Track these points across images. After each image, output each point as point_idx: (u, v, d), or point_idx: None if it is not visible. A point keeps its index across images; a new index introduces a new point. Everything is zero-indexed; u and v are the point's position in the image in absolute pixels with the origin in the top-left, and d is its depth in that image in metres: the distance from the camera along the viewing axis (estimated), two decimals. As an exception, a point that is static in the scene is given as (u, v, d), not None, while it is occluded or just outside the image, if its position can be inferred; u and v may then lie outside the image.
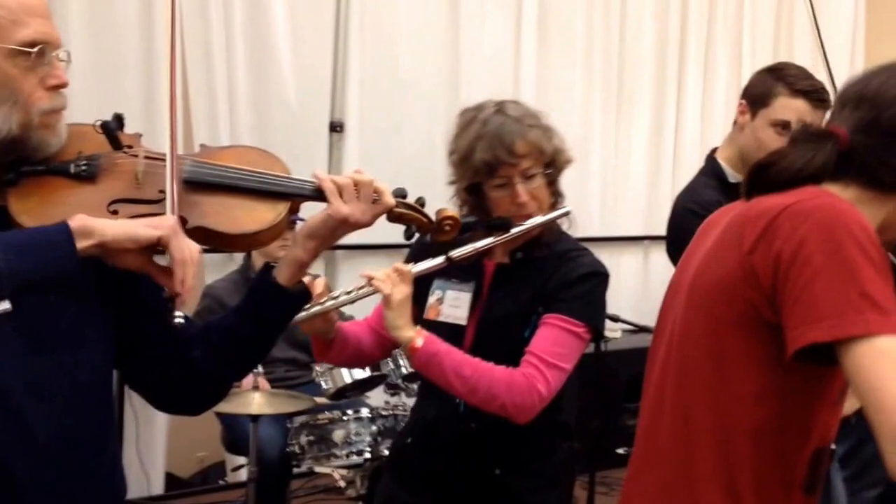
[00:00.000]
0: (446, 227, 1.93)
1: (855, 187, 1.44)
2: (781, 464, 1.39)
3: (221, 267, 4.06)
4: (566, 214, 2.12)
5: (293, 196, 1.56)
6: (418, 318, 2.12)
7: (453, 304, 2.11)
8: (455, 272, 2.12)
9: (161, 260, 1.34)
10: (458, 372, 1.97)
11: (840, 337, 1.25)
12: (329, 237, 1.57)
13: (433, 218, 1.87)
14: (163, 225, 1.31)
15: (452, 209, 1.91)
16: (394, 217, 1.72)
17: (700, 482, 1.40)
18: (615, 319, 4.04)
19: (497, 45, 4.89)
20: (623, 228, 5.49)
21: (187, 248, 1.32)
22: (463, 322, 2.12)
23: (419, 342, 1.98)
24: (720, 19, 5.66)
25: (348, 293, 2.03)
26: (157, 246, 1.31)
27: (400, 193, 1.75)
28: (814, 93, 2.56)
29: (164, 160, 1.43)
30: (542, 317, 2.03)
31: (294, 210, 1.59)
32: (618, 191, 5.46)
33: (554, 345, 2.00)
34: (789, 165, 1.45)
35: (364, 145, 4.53)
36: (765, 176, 1.47)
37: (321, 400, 3.47)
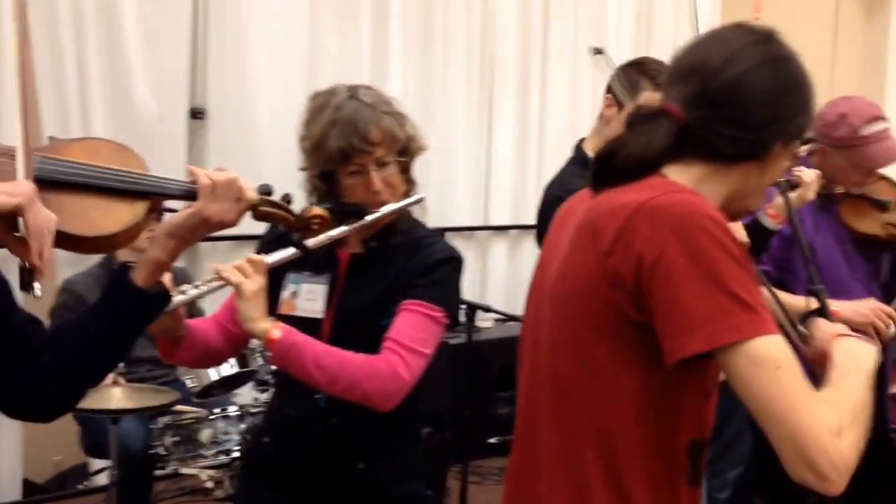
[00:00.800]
0: (314, 226, 1.88)
1: (697, 164, 1.42)
2: (665, 459, 1.38)
3: (80, 259, 3.85)
4: (419, 201, 2.11)
5: (153, 195, 1.49)
6: (271, 314, 2.05)
7: (308, 298, 2.07)
8: (309, 265, 2.07)
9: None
10: (319, 362, 1.92)
11: (717, 345, 1.24)
12: (190, 237, 1.51)
13: (300, 215, 1.82)
14: (21, 192, 1.23)
15: (320, 207, 1.87)
16: (258, 215, 1.67)
17: (591, 487, 1.37)
18: (486, 309, 4.05)
19: (360, 37, 4.83)
20: (492, 218, 5.51)
21: (43, 217, 1.24)
22: (320, 315, 2.08)
23: (276, 334, 1.91)
24: (583, 10, 5.73)
25: (197, 287, 1.93)
26: (15, 215, 1.23)
27: (265, 190, 1.70)
28: None
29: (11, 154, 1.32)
30: (401, 303, 2.00)
31: (154, 208, 1.52)
32: (486, 181, 5.47)
33: (414, 330, 1.98)
34: (631, 152, 1.41)
35: (226, 135, 4.40)
36: (609, 166, 1.43)
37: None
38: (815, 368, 1.49)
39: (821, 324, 1.56)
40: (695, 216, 1.29)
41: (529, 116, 5.57)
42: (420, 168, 4.91)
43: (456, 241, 5.13)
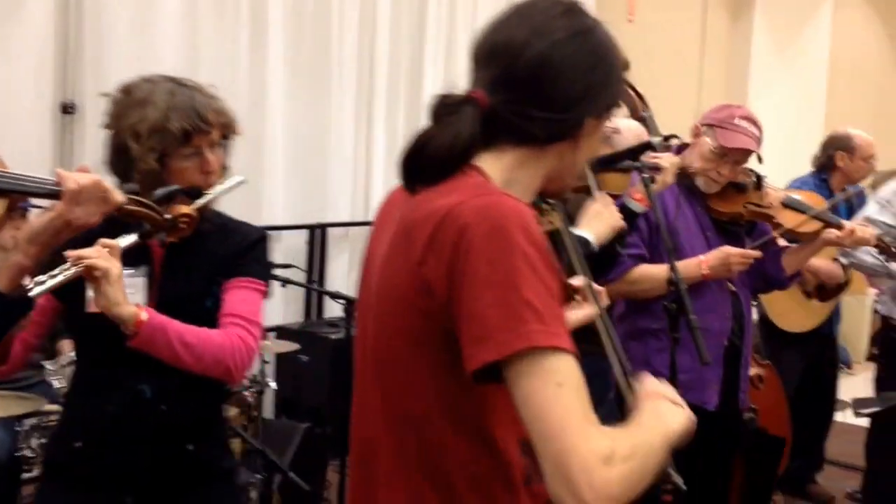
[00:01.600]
0: (182, 225, 1.87)
1: (511, 150, 1.37)
2: (496, 464, 1.33)
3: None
4: (242, 183, 2.17)
5: (11, 192, 1.47)
6: (70, 315, 2.07)
7: (128, 293, 2.00)
8: (123, 258, 2.00)
9: None
10: (183, 341, 1.94)
11: (507, 354, 1.18)
12: (53, 240, 1.50)
13: (167, 215, 1.81)
14: None
15: (187, 206, 1.88)
16: (124, 215, 1.65)
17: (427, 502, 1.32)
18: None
19: (238, 32, 4.77)
20: (372, 215, 5.48)
21: None
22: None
23: (144, 315, 1.89)
24: (460, 7, 5.78)
25: (54, 276, 1.80)
26: None
27: (131, 190, 1.68)
28: None
29: None
30: (228, 282, 2.08)
31: (13, 206, 1.49)
32: (367, 178, 5.46)
33: (248, 304, 2.08)
34: (439, 146, 1.33)
35: (99, 130, 4.27)
36: (418, 163, 1.35)
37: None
38: None
39: (645, 381, 1.46)
40: (501, 222, 1.23)
41: (409, 114, 5.59)
42: (299, 163, 4.86)
43: (336, 237, 5.22)
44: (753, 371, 4.16)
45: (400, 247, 1.33)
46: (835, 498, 4.81)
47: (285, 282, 3.93)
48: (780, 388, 4.36)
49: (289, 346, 3.86)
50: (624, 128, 3.49)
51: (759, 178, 3.21)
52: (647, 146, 2.65)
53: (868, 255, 3.47)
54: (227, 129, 2.11)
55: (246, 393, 3.68)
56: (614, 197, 2.70)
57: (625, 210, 2.71)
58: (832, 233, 3.15)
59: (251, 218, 4.52)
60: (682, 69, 7.11)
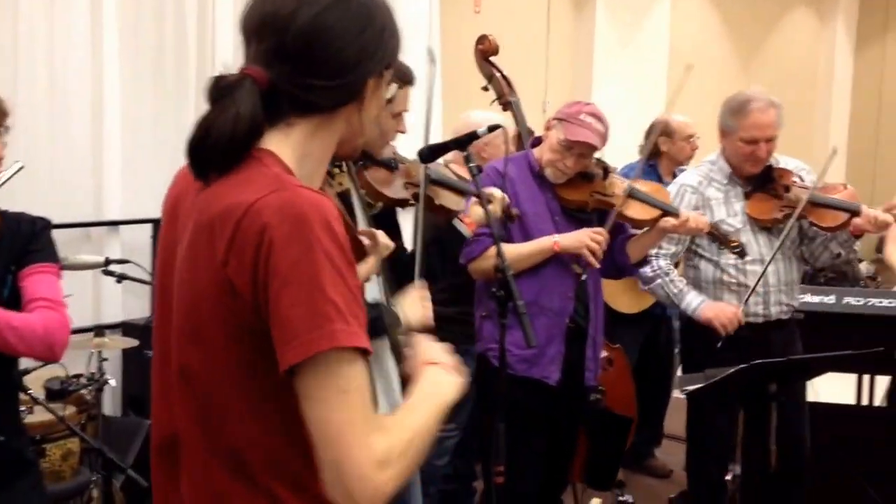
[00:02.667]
0: None
1: (298, 123, 1.35)
2: (310, 461, 1.27)
3: None
4: (21, 168, 2.32)
5: None
6: None
7: None
8: None
9: None
10: (10, 324, 2.05)
11: (311, 353, 1.19)
12: None
13: None
14: None
15: None
16: None
17: None
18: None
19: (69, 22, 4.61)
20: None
21: None
22: None
23: None
24: None
25: None
26: None
27: None
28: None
29: None
30: (23, 271, 2.19)
31: None
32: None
33: (51, 287, 2.21)
34: (221, 134, 1.29)
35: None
36: (204, 152, 1.31)
37: None
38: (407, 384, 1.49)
39: (421, 345, 1.51)
40: (301, 221, 1.22)
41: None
42: (139, 155, 4.71)
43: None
44: (603, 354, 4.33)
45: (201, 245, 1.29)
46: (672, 471, 5.04)
47: (121, 277, 3.87)
48: (629, 370, 4.53)
49: (129, 343, 3.79)
50: (482, 119, 3.59)
51: (607, 169, 3.37)
52: (473, 136, 2.72)
53: (661, 289, 3.68)
54: (4, 118, 2.19)
55: (84, 391, 3.61)
56: (447, 213, 2.81)
57: (453, 230, 2.82)
58: (669, 221, 3.30)
59: (91, 212, 4.52)
60: (528, 60, 7.25)
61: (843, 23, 10.53)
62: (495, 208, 2.97)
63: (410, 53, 4.53)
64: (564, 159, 3.25)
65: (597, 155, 3.35)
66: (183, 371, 1.35)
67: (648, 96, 7.67)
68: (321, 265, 1.20)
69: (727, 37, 9.37)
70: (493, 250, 3.08)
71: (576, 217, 3.35)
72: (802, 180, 3.61)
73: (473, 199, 2.91)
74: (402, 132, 2.71)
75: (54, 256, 2.27)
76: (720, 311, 3.52)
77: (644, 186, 3.44)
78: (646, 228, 3.38)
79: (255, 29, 1.35)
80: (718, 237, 3.44)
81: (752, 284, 3.56)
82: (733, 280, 3.59)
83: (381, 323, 1.76)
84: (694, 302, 3.58)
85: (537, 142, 3.44)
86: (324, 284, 1.19)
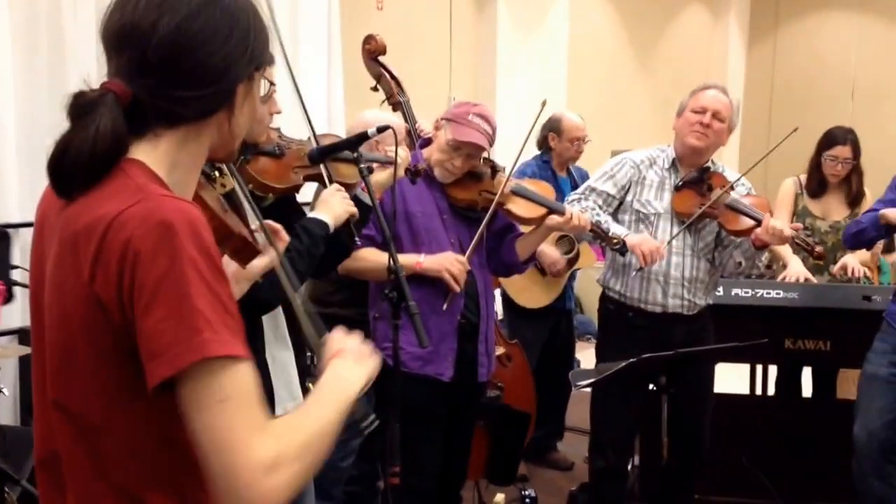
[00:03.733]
0: None
1: (166, 135, 1.32)
2: (190, 469, 1.27)
3: None
4: None
5: None
6: None
7: None
8: None
9: None
10: None
11: (181, 367, 1.17)
12: None
13: None
14: None
15: None
16: None
17: None
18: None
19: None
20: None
21: None
22: None
23: None
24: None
25: None
26: None
27: None
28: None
29: None
30: None
31: None
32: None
33: None
34: (80, 150, 1.26)
35: None
36: (63, 170, 1.28)
37: None
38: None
39: (333, 340, 1.52)
40: (166, 231, 1.20)
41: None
42: (36, 154, 4.53)
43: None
44: (501, 350, 4.40)
45: (66, 262, 1.27)
46: (574, 463, 5.14)
47: (14, 284, 3.78)
48: (527, 366, 4.61)
49: (24, 350, 3.71)
50: (373, 119, 3.59)
51: (495, 168, 3.43)
52: (364, 136, 2.73)
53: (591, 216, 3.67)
54: None
55: (-23, 402, 3.52)
56: (348, 187, 2.78)
57: (357, 202, 2.81)
58: (554, 219, 3.39)
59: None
60: (431, 57, 7.29)
61: (736, 18, 10.82)
62: (398, 171, 2.99)
63: (311, 47, 4.49)
64: (452, 159, 3.31)
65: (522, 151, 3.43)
66: (56, 402, 1.32)
67: (550, 91, 7.78)
68: (188, 276, 1.18)
69: (624, 32, 9.56)
70: (362, 252, 3.14)
71: (465, 216, 3.41)
72: (733, 188, 3.71)
73: (376, 165, 2.93)
74: (278, 112, 2.62)
75: (2, 273, 2.21)
76: (643, 241, 3.59)
77: (532, 185, 3.52)
78: (532, 227, 3.46)
79: (115, 42, 1.31)
80: (599, 234, 3.53)
81: (667, 273, 3.69)
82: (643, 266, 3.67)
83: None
84: (622, 232, 3.64)
85: (427, 142, 3.49)
86: (191, 295, 1.18)
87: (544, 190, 3.52)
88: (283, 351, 2.65)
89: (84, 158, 1.26)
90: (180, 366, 1.17)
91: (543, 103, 3.42)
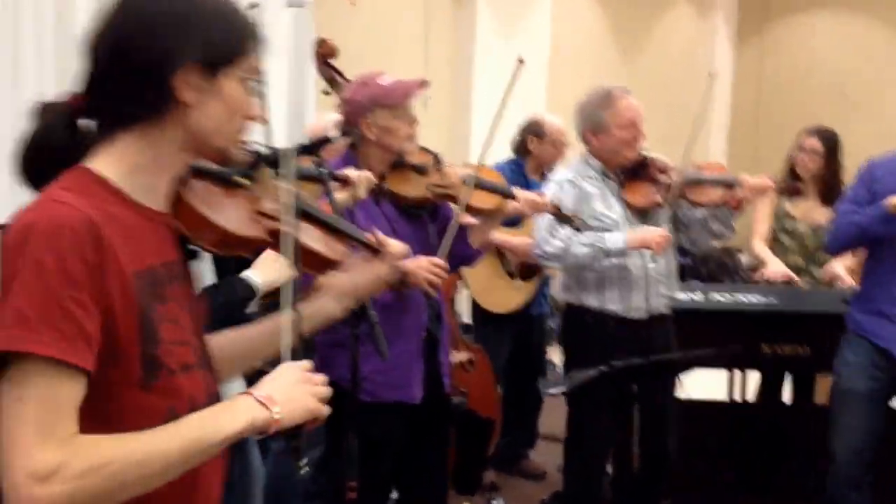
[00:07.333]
0: None
1: (121, 137, 1.37)
2: None
3: None
4: None
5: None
6: None
7: None
8: None
9: None
10: None
11: None
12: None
13: None
14: None
15: None
16: None
17: None
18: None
19: None
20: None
21: None
22: None
23: None
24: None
25: None
26: None
27: None
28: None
29: None
30: None
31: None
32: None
33: None
34: (26, 158, 1.40)
35: None
36: (22, 173, 1.42)
37: None
38: None
39: (277, 370, 1.48)
40: (26, 230, 1.23)
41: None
42: None
43: None
44: (465, 356, 4.26)
45: None
46: (546, 472, 4.98)
47: None
48: (490, 371, 4.47)
49: None
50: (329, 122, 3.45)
51: (437, 158, 3.21)
52: (325, 140, 2.59)
53: (580, 250, 3.56)
54: None
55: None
56: None
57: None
58: (511, 204, 3.22)
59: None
60: (407, 54, 7.15)
61: (723, 16, 10.71)
62: (358, 192, 2.83)
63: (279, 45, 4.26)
64: (399, 129, 3.07)
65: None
66: None
67: (528, 92, 7.65)
68: (22, 275, 1.20)
69: (609, 31, 9.42)
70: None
71: (412, 215, 3.17)
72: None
73: (335, 184, 2.76)
74: (253, 118, 2.50)
75: None
76: (646, 233, 3.53)
77: (483, 174, 3.26)
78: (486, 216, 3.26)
79: (85, 54, 1.39)
80: (559, 215, 3.41)
81: (646, 274, 3.61)
82: (615, 275, 3.60)
83: None
84: (618, 238, 3.55)
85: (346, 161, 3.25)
86: (14, 292, 1.20)
87: (493, 176, 3.34)
88: None
89: (28, 166, 1.41)
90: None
91: (520, 61, 3.23)
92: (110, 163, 1.36)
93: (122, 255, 1.30)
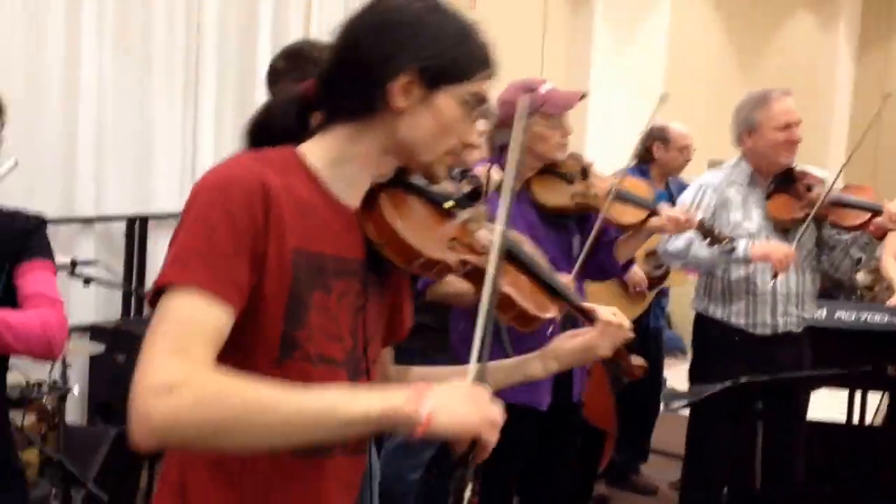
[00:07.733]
0: None
1: (334, 129, 1.44)
2: None
3: None
4: (16, 164, 2.33)
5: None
6: None
7: None
8: None
9: None
10: (7, 322, 2.00)
11: (155, 288, 1.29)
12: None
13: None
14: None
15: None
16: None
17: None
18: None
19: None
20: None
21: None
22: None
23: None
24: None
25: None
26: None
27: None
28: None
29: None
30: (19, 267, 2.16)
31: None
32: (192, 167, 5.22)
33: (48, 284, 2.17)
34: (255, 133, 1.49)
35: None
36: (261, 134, 1.49)
37: None
38: None
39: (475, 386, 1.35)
40: (203, 182, 1.34)
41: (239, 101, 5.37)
42: (116, 150, 4.55)
43: (158, 228, 4.95)
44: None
45: None
46: (658, 488, 4.91)
47: (87, 280, 3.70)
48: (607, 381, 4.38)
49: (95, 348, 3.65)
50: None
51: (585, 169, 3.15)
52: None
53: (702, 253, 3.48)
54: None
55: (45, 400, 3.47)
56: None
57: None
58: (656, 220, 3.16)
59: (61, 207, 4.38)
60: (523, 59, 7.11)
61: (845, 28, 10.41)
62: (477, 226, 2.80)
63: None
64: (553, 137, 3.04)
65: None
66: None
67: (646, 99, 7.55)
68: (185, 219, 1.31)
69: (727, 40, 9.24)
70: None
71: (553, 223, 3.12)
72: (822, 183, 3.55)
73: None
74: (470, 145, 2.56)
75: (50, 254, 2.24)
76: (773, 248, 3.43)
77: (629, 186, 3.21)
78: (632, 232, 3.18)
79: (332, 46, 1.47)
80: (707, 232, 3.30)
81: (774, 290, 3.50)
82: (743, 288, 3.52)
83: None
84: (743, 245, 3.45)
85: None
86: (182, 234, 1.30)
87: (641, 190, 3.27)
88: None
89: (247, 134, 1.49)
90: (155, 286, 1.29)
91: (662, 97, 3.17)
92: (316, 150, 1.42)
93: (290, 229, 1.33)
